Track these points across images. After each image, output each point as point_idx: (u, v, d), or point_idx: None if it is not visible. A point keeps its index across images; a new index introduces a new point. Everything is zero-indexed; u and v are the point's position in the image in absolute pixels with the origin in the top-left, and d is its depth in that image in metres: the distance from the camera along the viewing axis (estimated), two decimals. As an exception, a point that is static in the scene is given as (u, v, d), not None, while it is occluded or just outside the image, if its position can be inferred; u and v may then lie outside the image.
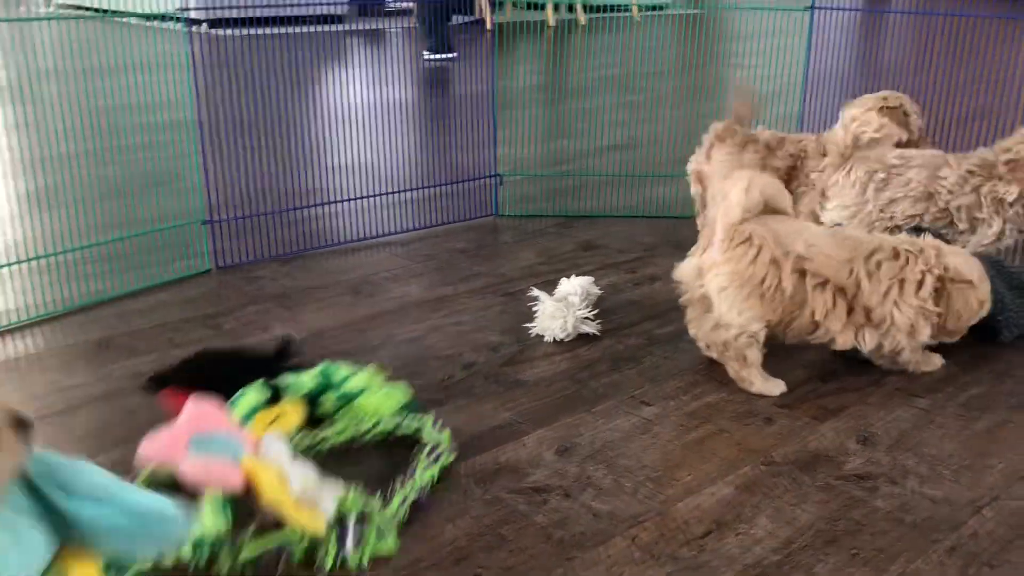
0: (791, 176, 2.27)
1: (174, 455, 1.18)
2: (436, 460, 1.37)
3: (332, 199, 2.64)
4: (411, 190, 2.86)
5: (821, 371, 1.75)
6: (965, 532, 1.27)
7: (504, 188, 2.83)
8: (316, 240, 2.48)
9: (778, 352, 1.72)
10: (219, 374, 1.47)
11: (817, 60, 2.80)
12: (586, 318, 1.91)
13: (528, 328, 1.92)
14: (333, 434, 1.43)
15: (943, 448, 1.49)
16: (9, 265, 2.10)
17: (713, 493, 1.36)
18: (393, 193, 2.79)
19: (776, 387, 1.65)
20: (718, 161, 2.34)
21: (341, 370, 1.51)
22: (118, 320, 1.97)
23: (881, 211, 2.05)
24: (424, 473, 1.33)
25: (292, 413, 1.41)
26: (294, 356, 1.58)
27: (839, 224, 2.09)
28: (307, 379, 1.48)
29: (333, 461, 1.38)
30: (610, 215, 2.78)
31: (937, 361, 1.74)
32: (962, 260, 1.65)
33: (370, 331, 1.92)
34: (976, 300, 1.64)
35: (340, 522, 1.17)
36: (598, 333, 1.91)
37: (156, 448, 1.20)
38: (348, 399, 1.48)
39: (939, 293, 1.62)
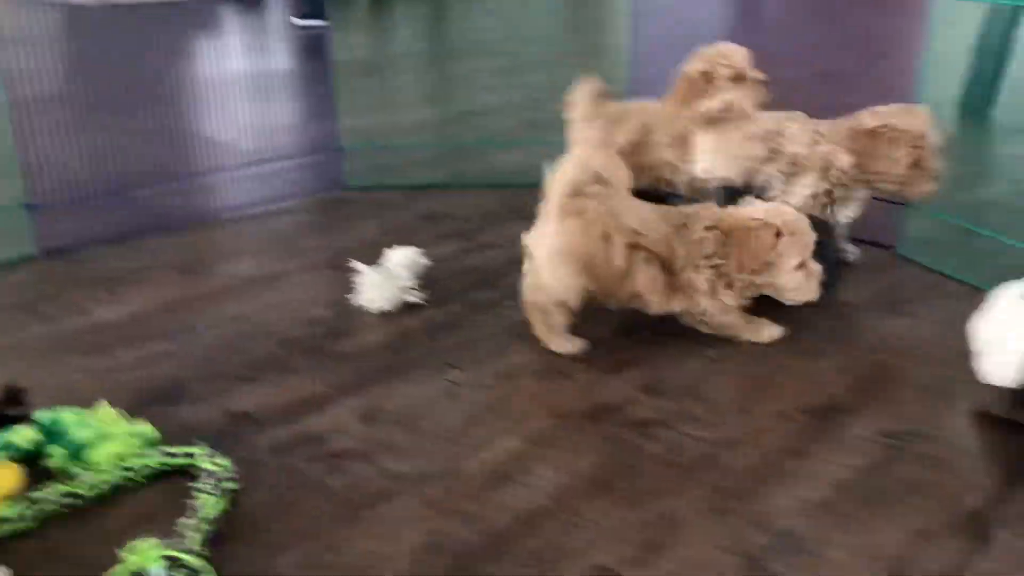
0: (638, 149, 2.25)
1: None
2: (221, 491, 1.28)
3: (175, 176, 2.62)
4: (257, 164, 2.85)
5: (623, 326, 1.85)
6: (725, 469, 1.39)
7: (352, 160, 2.85)
8: (151, 220, 2.46)
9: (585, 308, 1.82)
10: None
11: (647, 24, 2.89)
12: (408, 288, 1.97)
13: (353, 300, 1.97)
14: (86, 488, 1.27)
15: (722, 394, 1.61)
16: None
17: (504, 448, 1.45)
18: (238, 168, 2.78)
19: (574, 346, 1.74)
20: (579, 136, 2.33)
21: (67, 417, 1.36)
22: (-69, 312, 1.93)
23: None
24: (215, 506, 1.24)
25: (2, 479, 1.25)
26: (21, 406, 1.41)
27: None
28: (21, 436, 1.33)
29: (95, 513, 1.27)
30: (458, 185, 2.84)
31: (771, 332, 1.79)
32: (747, 209, 1.74)
33: (191, 312, 1.94)
34: (768, 235, 1.69)
35: None
36: (422, 302, 1.97)
37: None
38: (79, 450, 1.33)
39: (726, 244, 1.71)
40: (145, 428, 1.40)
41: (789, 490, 1.34)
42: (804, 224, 1.71)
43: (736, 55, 2.19)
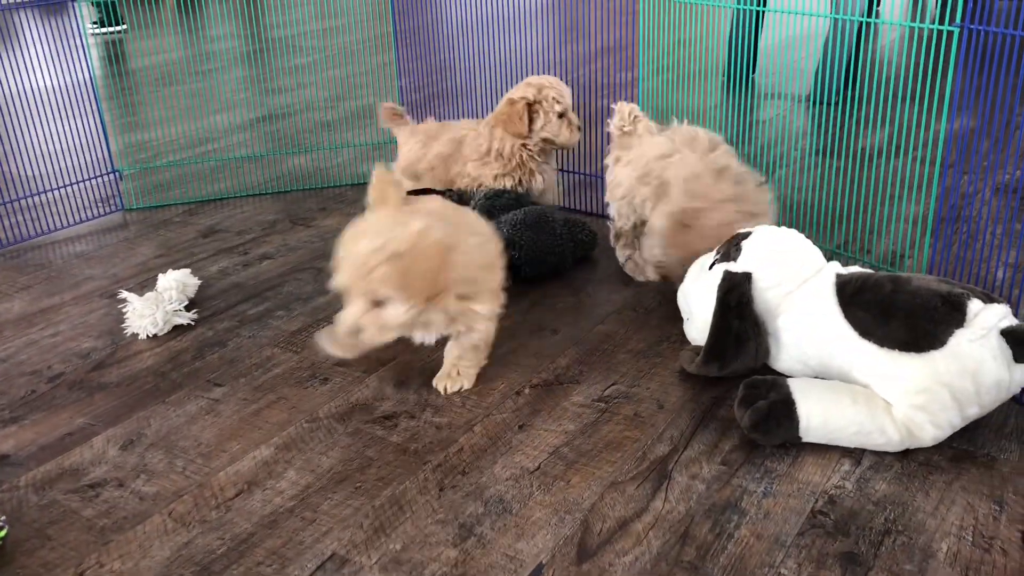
0: (450, 162, 2.48)
1: None
2: None
3: (-66, 219, 2.57)
4: (28, 196, 2.82)
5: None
6: (452, 449, 1.57)
7: (131, 180, 2.87)
8: (-84, 266, 2.42)
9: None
10: None
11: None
12: (177, 311, 2.05)
13: (124, 328, 2.04)
14: None
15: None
16: None
17: (255, 457, 1.58)
18: (11, 202, 2.75)
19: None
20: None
21: None
22: None
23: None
24: None
25: None
26: None
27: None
28: None
29: None
30: (239, 195, 2.91)
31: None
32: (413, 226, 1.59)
33: (-44, 358, 1.96)
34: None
35: None
36: (192, 323, 2.06)
37: None
38: None
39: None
40: None
41: (508, 460, 1.54)
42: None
43: (567, 93, 2.40)
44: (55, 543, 1.39)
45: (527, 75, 2.44)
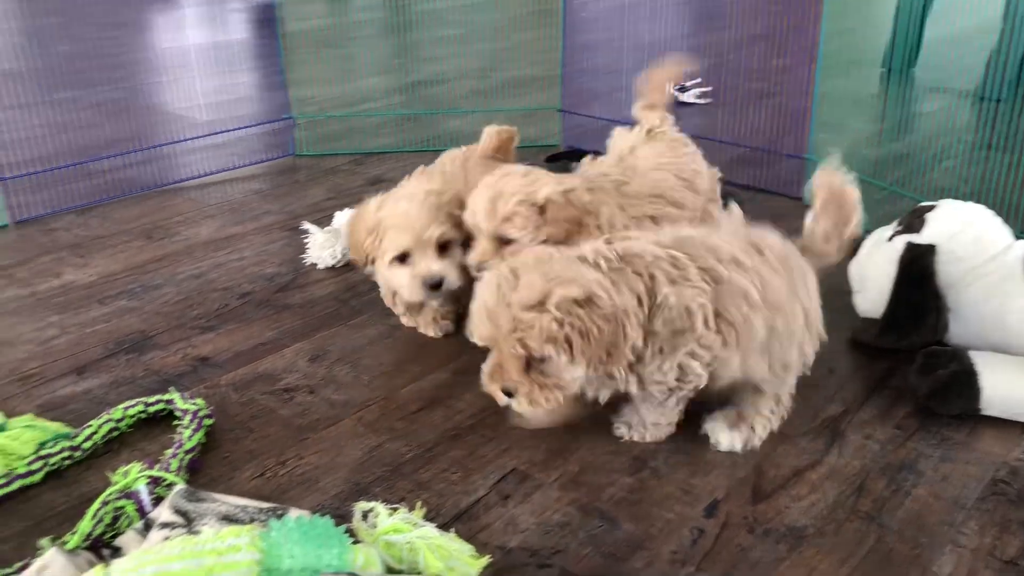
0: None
1: None
2: (199, 426, 1.44)
3: (135, 147, 2.78)
4: (211, 135, 3.00)
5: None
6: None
7: (302, 129, 3.02)
8: (115, 189, 2.62)
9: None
10: None
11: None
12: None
13: (303, 259, 2.16)
14: (81, 442, 1.41)
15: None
16: None
17: (434, 380, 1.66)
18: (193, 139, 2.94)
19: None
20: None
21: None
22: (-88, 278, 2.09)
23: None
24: (192, 438, 1.40)
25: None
26: None
27: None
28: None
29: (96, 460, 1.42)
30: (402, 151, 3.02)
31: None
32: None
33: (155, 271, 2.12)
34: None
35: (130, 495, 1.25)
36: (366, 258, 2.16)
37: None
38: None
39: None
40: (52, 426, 1.45)
41: (677, 406, 1.57)
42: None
43: None
44: (257, 435, 1.50)
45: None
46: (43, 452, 1.38)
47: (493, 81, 3.96)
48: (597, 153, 2.26)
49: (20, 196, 2.46)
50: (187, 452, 1.38)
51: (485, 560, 1.17)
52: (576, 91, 3.08)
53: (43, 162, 2.66)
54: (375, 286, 2.04)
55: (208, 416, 1.49)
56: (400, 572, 1.14)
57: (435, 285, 1.66)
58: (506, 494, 1.35)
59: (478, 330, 1.30)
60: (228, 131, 2.99)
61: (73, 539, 1.20)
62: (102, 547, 1.19)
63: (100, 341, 1.80)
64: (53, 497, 1.35)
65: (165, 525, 1.19)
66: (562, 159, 2.73)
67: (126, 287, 2.04)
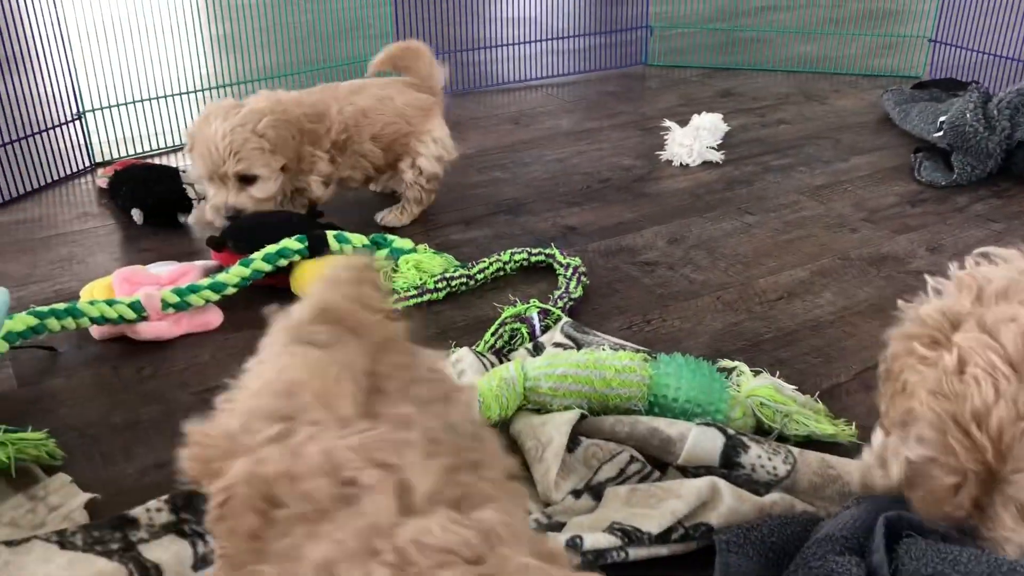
0: None
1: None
2: (579, 280, 1.58)
3: (497, 44, 3.00)
4: (567, 37, 3.16)
5: (911, 198, 1.99)
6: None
7: (655, 40, 3.10)
8: (482, 80, 2.86)
9: (879, 181, 1.98)
10: (264, 234, 1.59)
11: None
12: (710, 147, 2.22)
13: (659, 155, 2.25)
14: (476, 272, 1.61)
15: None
16: (219, 87, 2.60)
17: (791, 275, 1.69)
18: (550, 40, 3.12)
19: None
20: None
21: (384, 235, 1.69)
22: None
23: None
24: (576, 288, 1.55)
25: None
26: (321, 217, 1.76)
27: None
28: (356, 238, 1.63)
29: (487, 289, 1.61)
30: (752, 68, 3.00)
31: None
32: None
33: (524, 152, 2.31)
34: None
35: (523, 319, 1.42)
36: (720, 161, 2.21)
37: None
38: (396, 256, 1.63)
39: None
40: (446, 259, 1.66)
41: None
42: None
43: None
44: (621, 296, 1.62)
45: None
46: (447, 274, 1.59)
47: (846, 10, 3.78)
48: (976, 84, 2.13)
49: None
50: (572, 298, 1.53)
51: (853, 430, 1.21)
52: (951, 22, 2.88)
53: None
54: (729, 185, 2.08)
55: (584, 274, 1.63)
56: (770, 431, 1.20)
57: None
58: (870, 385, 1.36)
59: None
60: (584, 36, 3.13)
61: (479, 345, 1.38)
62: (500, 356, 1.37)
63: (481, 201, 2.00)
64: (453, 314, 1.55)
65: (558, 345, 1.33)
66: (931, 87, 2.58)
67: (499, 162, 2.24)
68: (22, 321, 1.33)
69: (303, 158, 1.76)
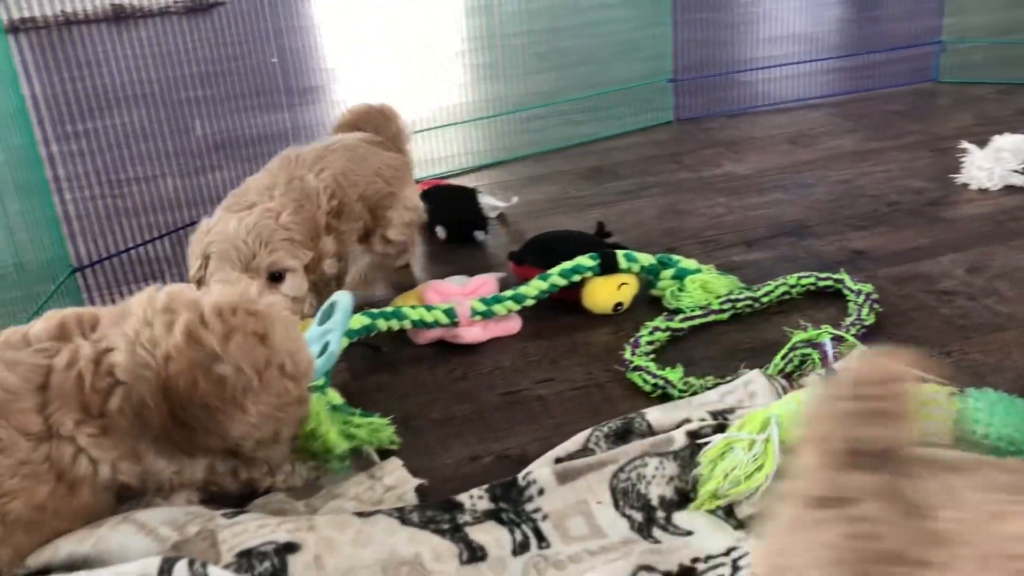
0: None
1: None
2: (872, 305, 1.56)
3: (773, 63, 2.97)
4: (846, 56, 3.07)
5: None
6: None
7: (945, 55, 2.93)
8: (758, 99, 2.85)
9: None
10: (560, 251, 1.66)
11: None
12: (1014, 171, 2.07)
13: (954, 177, 2.14)
14: (761, 295, 1.62)
15: None
16: (514, 112, 2.78)
17: (1114, 312, 1.55)
18: (828, 59, 3.04)
19: None
20: None
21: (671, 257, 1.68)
22: (604, 154, 2.54)
23: None
24: (869, 315, 1.54)
25: (632, 283, 1.66)
26: (609, 236, 1.79)
27: None
28: (644, 257, 1.66)
29: (775, 313, 1.61)
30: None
31: None
32: None
33: (805, 173, 2.28)
34: None
35: (815, 345, 1.41)
36: (1024, 185, 2.06)
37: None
38: (682, 276, 1.65)
39: None
40: (730, 279, 1.67)
41: None
42: None
43: None
44: (917, 325, 1.56)
45: None
46: (731, 296, 1.62)
47: None
48: None
49: (682, 98, 2.81)
50: (864, 325, 1.50)
51: None
52: None
53: (700, 69, 2.99)
54: (1038, 212, 1.94)
55: (877, 301, 1.59)
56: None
57: None
58: None
59: None
60: (866, 53, 3.02)
61: (769, 368, 1.40)
62: (790, 381, 1.38)
63: (762, 223, 2.01)
64: (739, 336, 1.58)
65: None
66: None
67: (780, 182, 2.23)
68: (358, 321, 1.53)
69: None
